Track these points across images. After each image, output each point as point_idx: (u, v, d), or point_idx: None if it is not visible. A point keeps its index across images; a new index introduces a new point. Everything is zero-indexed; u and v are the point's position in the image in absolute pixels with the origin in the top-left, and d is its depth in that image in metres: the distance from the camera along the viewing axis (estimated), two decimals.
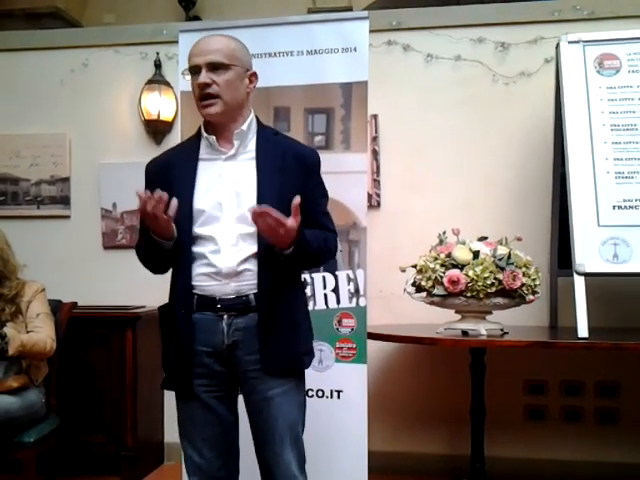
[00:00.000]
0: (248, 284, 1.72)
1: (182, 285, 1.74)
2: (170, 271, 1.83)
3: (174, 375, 1.77)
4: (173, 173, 1.77)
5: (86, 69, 3.53)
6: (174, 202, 1.64)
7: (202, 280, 1.73)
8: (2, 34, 3.72)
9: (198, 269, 1.73)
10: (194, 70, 1.73)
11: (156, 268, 1.85)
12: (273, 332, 1.72)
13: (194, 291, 1.73)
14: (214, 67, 1.71)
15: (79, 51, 3.54)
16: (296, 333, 1.79)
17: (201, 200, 1.73)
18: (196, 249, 1.73)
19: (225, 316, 1.73)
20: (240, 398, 1.85)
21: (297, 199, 1.60)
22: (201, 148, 1.80)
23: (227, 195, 1.73)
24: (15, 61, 3.61)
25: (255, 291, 1.72)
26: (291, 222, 1.60)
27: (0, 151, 3.59)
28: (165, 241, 1.72)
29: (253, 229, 1.70)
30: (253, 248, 1.71)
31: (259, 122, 1.85)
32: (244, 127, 1.78)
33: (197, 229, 1.72)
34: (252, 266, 1.72)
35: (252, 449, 1.84)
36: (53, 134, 3.54)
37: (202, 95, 1.72)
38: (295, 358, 1.78)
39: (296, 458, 1.78)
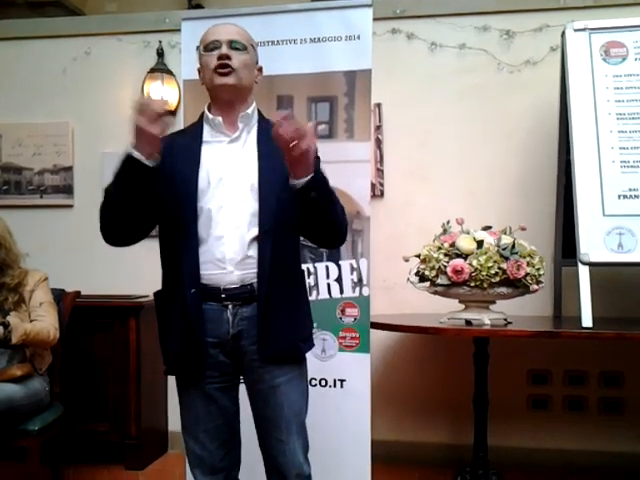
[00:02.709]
0: (252, 272, 1.71)
1: (189, 268, 1.69)
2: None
3: (183, 366, 1.76)
4: (176, 155, 1.75)
5: (88, 58, 3.52)
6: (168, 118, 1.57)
7: (207, 269, 1.71)
8: (4, 23, 3.70)
9: (201, 256, 1.71)
10: (213, 45, 1.73)
11: (121, 224, 1.73)
12: (272, 320, 1.71)
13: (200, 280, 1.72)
14: (233, 46, 1.73)
15: (81, 40, 3.52)
16: (294, 320, 1.78)
17: (204, 179, 1.72)
18: (200, 234, 1.71)
19: (230, 306, 1.72)
20: (242, 388, 1.85)
21: (313, 122, 1.62)
22: (204, 131, 1.80)
23: (230, 175, 1.73)
24: (17, 50, 3.60)
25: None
26: (310, 128, 1.56)
27: (3, 140, 3.59)
28: (147, 160, 1.59)
29: (254, 209, 1.70)
30: (254, 231, 1.70)
31: (260, 113, 1.86)
32: (249, 111, 1.79)
33: (201, 206, 1.70)
34: (254, 253, 1.71)
35: (253, 440, 1.84)
36: (56, 123, 3.53)
37: (219, 65, 1.72)
38: (292, 345, 1.77)
39: (302, 446, 1.80)
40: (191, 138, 1.80)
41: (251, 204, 1.71)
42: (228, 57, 1.71)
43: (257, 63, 1.84)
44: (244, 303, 1.72)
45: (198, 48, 1.79)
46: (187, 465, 2.59)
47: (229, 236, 1.70)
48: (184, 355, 1.74)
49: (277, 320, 1.72)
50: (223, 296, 1.71)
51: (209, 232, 1.71)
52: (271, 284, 1.70)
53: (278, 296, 1.72)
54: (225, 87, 1.74)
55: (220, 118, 1.77)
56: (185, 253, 1.71)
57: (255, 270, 1.71)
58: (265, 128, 1.80)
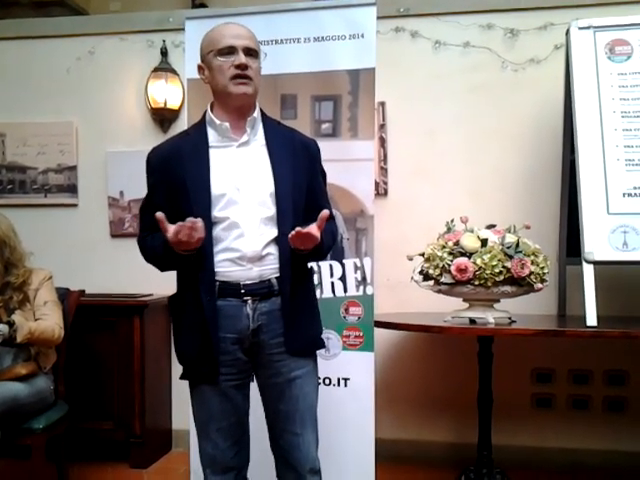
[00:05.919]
0: (270, 268, 1.75)
1: (206, 272, 1.72)
2: None
3: (198, 365, 1.76)
4: (184, 161, 1.75)
5: (92, 57, 3.52)
6: (200, 223, 1.62)
7: (225, 266, 1.73)
8: (8, 22, 3.71)
9: (220, 255, 1.73)
10: (229, 50, 1.73)
11: (168, 269, 1.85)
12: (296, 314, 1.76)
13: (216, 277, 1.73)
14: (249, 53, 1.75)
15: (85, 39, 3.53)
16: (313, 314, 1.87)
17: (219, 185, 1.73)
18: (217, 235, 1.73)
19: (249, 301, 1.74)
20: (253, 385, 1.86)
21: (326, 212, 1.68)
22: (210, 136, 1.79)
23: (244, 180, 1.75)
24: (21, 49, 3.60)
25: (277, 275, 1.75)
26: (319, 234, 1.68)
27: (7, 140, 3.59)
28: (191, 253, 1.70)
29: (272, 212, 1.74)
30: (274, 232, 1.74)
31: (263, 112, 1.87)
32: (255, 114, 1.80)
33: (217, 214, 1.72)
34: (274, 250, 1.75)
35: (262, 439, 1.85)
36: (60, 122, 3.54)
37: (238, 75, 1.73)
38: (316, 338, 1.86)
39: (314, 439, 1.83)
40: (196, 143, 1.79)
41: (269, 208, 1.75)
42: (247, 67, 1.73)
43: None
44: (262, 298, 1.75)
45: (210, 52, 1.75)
46: (191, 463, 2.61)
47: (249, 236, 1.73)
48: (201, 356, 1.74)
49: (300, 314, 1.77)
50: (242, 291, 1.74)
51: (228, 233, 1.73)
52: (293, 281, 1.75)
53: (298, 292, 1.77)
54: (243, 97, 1.75)
55: (227, 123, 1.77)
56: (200, 259, 1.72)
57: (272, 266, 1.75)
58: (270, 126, 1.84)
